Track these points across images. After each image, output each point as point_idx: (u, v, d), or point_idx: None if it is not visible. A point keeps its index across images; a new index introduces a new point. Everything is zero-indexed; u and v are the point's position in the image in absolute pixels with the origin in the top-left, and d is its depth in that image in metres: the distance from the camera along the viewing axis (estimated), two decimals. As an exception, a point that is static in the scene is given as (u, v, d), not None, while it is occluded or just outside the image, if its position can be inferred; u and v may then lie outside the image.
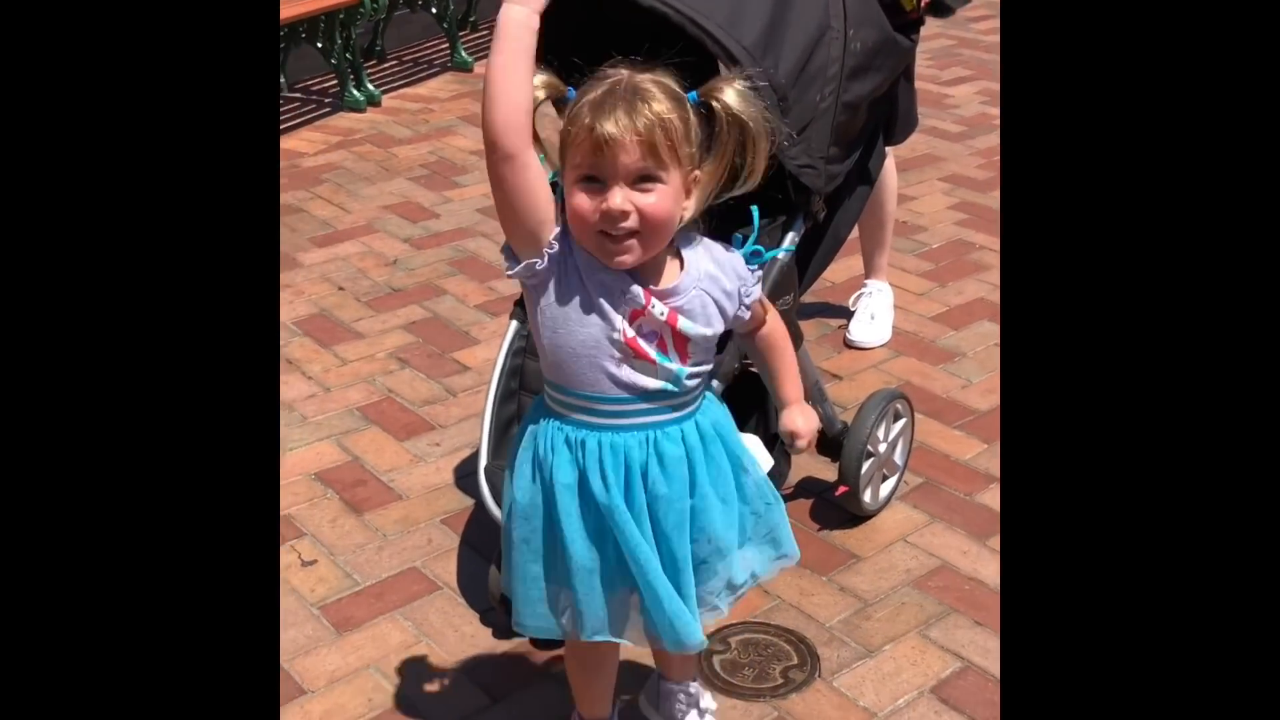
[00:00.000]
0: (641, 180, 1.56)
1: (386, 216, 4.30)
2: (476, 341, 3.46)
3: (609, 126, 1.53)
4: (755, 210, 1.75)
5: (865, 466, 2.60)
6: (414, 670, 2.30)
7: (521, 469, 1.75)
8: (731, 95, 1.61)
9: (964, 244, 4.01)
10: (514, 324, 2.48)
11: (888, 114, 2.60)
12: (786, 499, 2.69)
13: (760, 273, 1.77)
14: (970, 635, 2.35)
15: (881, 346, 3.39)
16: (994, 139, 4.89)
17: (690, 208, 1.64)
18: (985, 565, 2.53)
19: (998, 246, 3.97)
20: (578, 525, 1.71)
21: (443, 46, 6.16)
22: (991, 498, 2.74)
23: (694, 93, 1.62)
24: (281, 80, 5.56)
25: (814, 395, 2.58)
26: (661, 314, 1.63)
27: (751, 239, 1.76)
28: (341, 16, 5.38)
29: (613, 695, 2.03)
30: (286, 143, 5.01)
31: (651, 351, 1.64)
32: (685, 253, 1.69)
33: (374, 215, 4.31)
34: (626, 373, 1.65)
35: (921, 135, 4.50)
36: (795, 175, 2.24)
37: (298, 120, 5.30)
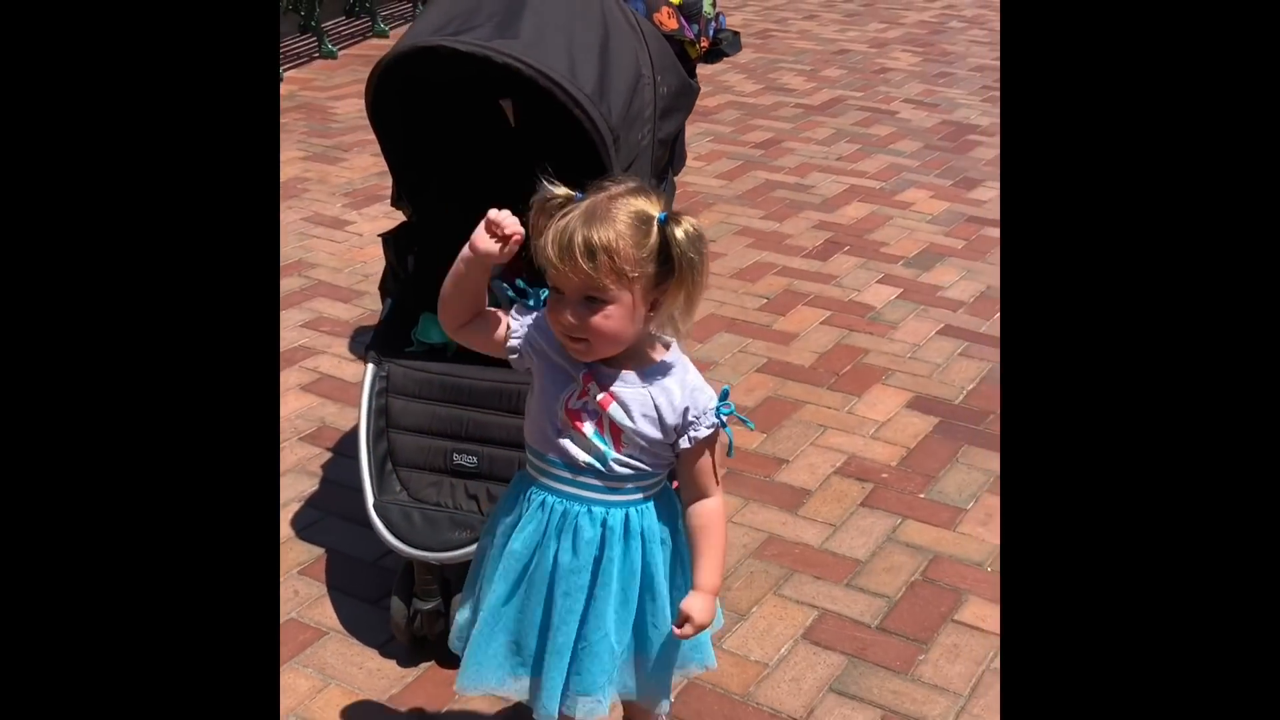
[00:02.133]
0: (590, 299, 1.69)
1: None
2: (260, 404, 3.46)
3: (555, 255, 1.67)
4: (726, 389, 1.84)
5: (690, 461, 2.91)
6: (335, 711, 2.36)
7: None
8: (679, 231, 1.68)
9: (678, 268, 4.44)
10: (370, 367, 2.60)
11: (674, 150, 2.95)
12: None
13: (717, 423, 1.80)
14: (815, 588, 2.72)
15: (643, 363, 3.72)
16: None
17: (657, 319, 1.74)
18: (804, 531, 2.92)
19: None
20: (496, 564, 1.90)
21: None
22: (786, 475, 3.14)
23: (664, 214, 1.69)
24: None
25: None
26: (597, 395, 1.78)
27: (725, 395, 1.82)
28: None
29: None
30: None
31: (586, 427, 1.79)
32: (657, 359, 1.80)
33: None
34: (564, 441, 1.80)
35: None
36: (627, 206, 2.52)
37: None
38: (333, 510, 3.00)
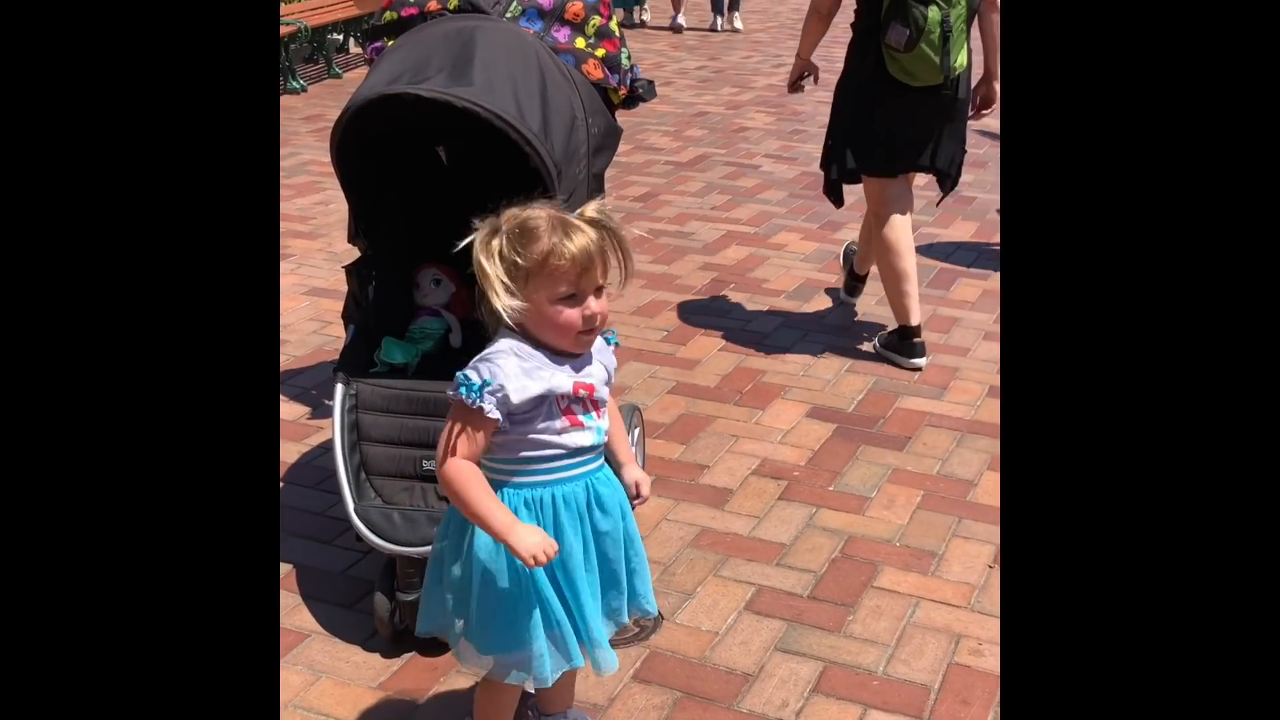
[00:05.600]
0: (598, 290, 2.00)
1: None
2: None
3: (578, 266, 1.94)
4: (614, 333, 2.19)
5: (627, 466, 3.20)
6: (330, 698, 2.55)
7: (481, 535, 2.02)
8: (596, 213, 2.01)
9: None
10: (339, 386, 2.82)
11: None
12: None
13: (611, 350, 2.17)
14: (750, 568, 3.02)
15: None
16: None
17: None
18: (732, 523, 3.23)
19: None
20: (543, 576, 2.05)
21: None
22: (708, 478, 3.45)
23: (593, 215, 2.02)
24: None
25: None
26: (583, 393, 2.04)
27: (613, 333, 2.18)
28: None
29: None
30: None
31: (581, 417, 2.05)
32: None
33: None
34: (568, 439, 2.03)
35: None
36: (568, 232, 2.83)
37: None
38: (291, 532, 3.18)
